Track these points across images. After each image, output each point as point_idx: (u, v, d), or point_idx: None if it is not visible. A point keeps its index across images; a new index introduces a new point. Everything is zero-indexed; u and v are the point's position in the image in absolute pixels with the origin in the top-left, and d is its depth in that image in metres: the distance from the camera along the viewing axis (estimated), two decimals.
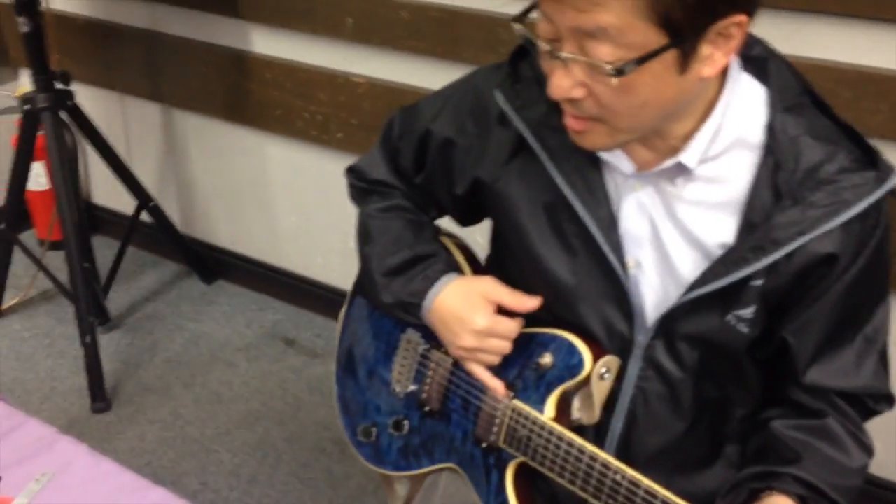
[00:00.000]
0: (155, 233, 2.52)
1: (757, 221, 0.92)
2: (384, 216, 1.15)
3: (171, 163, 2.55)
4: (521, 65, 1.04)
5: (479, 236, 1.23)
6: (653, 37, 0.81)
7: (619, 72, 0.82)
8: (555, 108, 0.97)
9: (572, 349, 1.02)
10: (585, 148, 0.94)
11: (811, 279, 0.94)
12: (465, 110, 1.08)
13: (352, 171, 1.21)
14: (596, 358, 1.00)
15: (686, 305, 0.96)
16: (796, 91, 0.95)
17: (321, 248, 2.37)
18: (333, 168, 2.17)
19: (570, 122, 0.92)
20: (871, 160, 0.92)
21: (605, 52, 0.83)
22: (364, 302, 1.26)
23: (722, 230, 0.95)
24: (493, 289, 1.06)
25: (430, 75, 1.85)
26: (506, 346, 1.05)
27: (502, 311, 1.06)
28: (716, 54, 0.85)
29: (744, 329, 0.96)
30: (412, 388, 1.18)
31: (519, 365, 1.07)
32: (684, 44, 0.83)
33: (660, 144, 0.95)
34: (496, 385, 1.06)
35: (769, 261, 0.92)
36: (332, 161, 2.17)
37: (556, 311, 1.05)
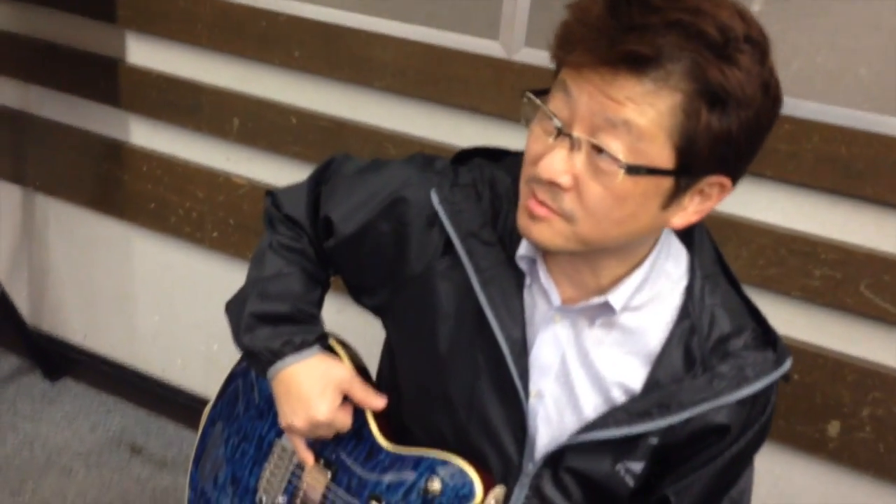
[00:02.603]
0: None
1: (662, 380, 0.94)
2: (285, 255, 1.11)
3: (26, 248, 2.40)
4: (460, 169, 1.03)
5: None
6: (665, 157, 0.81)
7: (632, 169, 0.81)
8: (490, 223, 0.97)
9: (463, 476, 0.98)
10: (532, 238, 0.90)
11: (700, 445, 0.96)
12: (381, 207, 1.03)
13: (271, 196, 1.16)
14: (486, 488, 0.98)
15: (583, 444, 0.96)
16: (712, 259, 0.99)
17: (183, 350, 2.26)
18: (204, 268, 2.11)
19: (533, 205, 0.87)
20: (769, 341, 0.97)
21: (616, 148, 0.81)
22: (235, 400, 1.19)
23: (629, 379, 0.96)
24: (347, 380, 1.06)
25: None
26: (330, 435, 1.07)
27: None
28: (690, 209, 0.87)
29: (630, 481, 0.97)
30: (280, 500, 1.11)
31: (406, 486, 1.02)
32: (683, 178, 0.83)
33: (590, 282, 0.95)
34: (307, 456, 1.09)
35: (672, 421, 0.93)
36: (203, 261, 2.10)
37: (444, 425, 1.02)
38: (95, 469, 2.13)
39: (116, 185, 2.13)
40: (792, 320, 1.52)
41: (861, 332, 1.49)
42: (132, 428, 2.29)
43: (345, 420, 1.06)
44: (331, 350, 1.12)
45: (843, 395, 1.50)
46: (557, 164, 0.83)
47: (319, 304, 1.13)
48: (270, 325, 1.07)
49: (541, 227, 0.88)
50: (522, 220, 0.90)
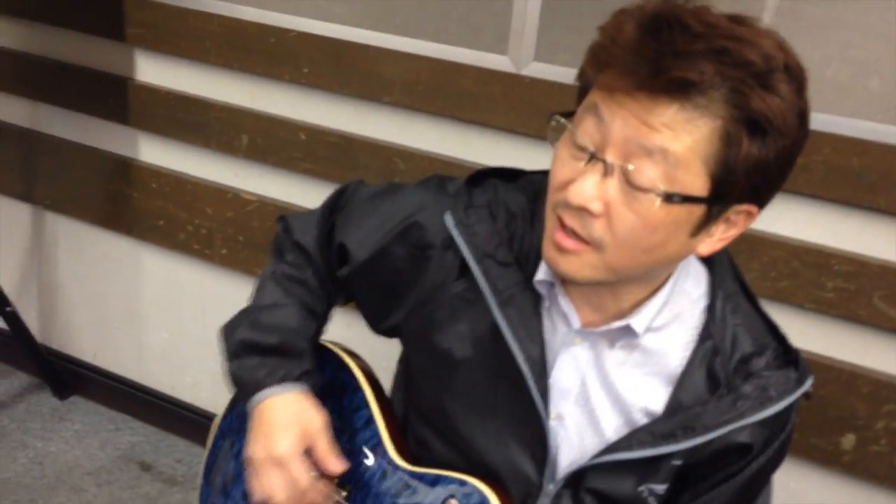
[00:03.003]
0: (8, 340, 2.34)
1: (686, 401, 0.94)
2: (286, 286, 1.09)
3: (36, 267, 2.40)
4: (474, 191, 1.01)
5: None
6: (699, 184, 0.80)
7: (668, 197, 0.79)
8: (506, 244, 0.95)
9: (481, 497, 0.97)
10: (559, 270, 0.88)
11: (721, 464, 0.96)
12: (395, 231, 1.02)
13: (283, 221, 1.14)
14: None
15: (605, 465, 0.95)
16: (732, 279, 0.99)
17: (192, 366, 2.25)
18: (213, 285, 2.10)
19: (561, 238, 0.86)
20: (790, 360, 0.96)
21: (652, 175, 0.79)
22: (245, 414, 1.18)
23: (650, 400, 0.96)
24: (317, 430, 1.02)
25: (322, 199, 1.84)
26: (281, 487, 0.99)
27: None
28: (716, 236, 0.87)
29: (653, 503, 0.96)
30: None
31: None
32: (715, 206, 0.83)
33: (611, 306, 0.94)
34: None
35: (696, 443, 0.93)
36: (212, 277, 2.10)
37: (461, 444, 1.01)
38: (105, 487, 2.12)
39: (125, 203, 2.13)
40: (805, 332, 1.51)
41: (875, 344, 1.48)
42: (142, 445, 2.28)
43: (300, 473, 1.00)
44: (340, 368, 1.11)
45: (857, 407, 1.49)
46: (589, 189, 0.81)
47: (314, 338, 1.11)
48: (258, 355, 1.05)
49: (569, 259, 0.86)
50: (549, 252, 0.88)
